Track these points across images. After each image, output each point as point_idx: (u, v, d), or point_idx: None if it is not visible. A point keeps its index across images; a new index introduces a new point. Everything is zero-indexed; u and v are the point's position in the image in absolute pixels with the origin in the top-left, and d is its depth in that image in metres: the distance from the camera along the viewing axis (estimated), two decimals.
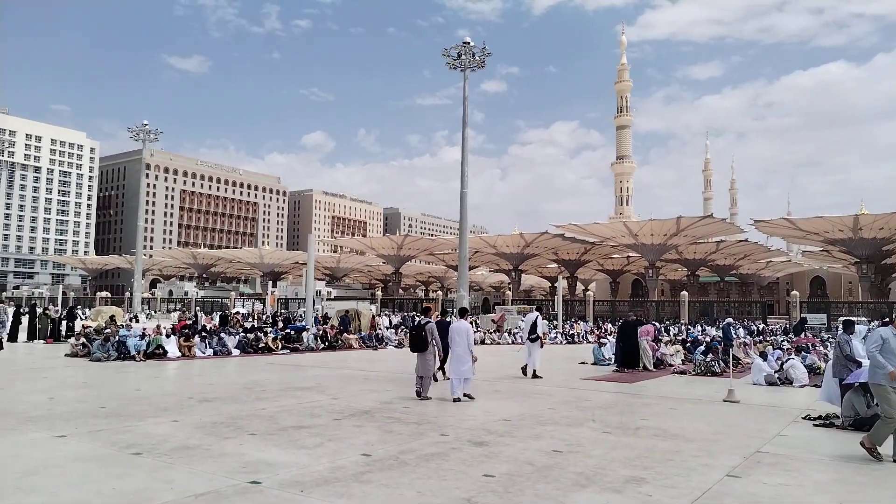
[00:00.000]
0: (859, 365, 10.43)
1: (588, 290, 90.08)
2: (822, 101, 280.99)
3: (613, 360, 20.25)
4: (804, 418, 10.92)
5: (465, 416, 10.62)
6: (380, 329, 31.06)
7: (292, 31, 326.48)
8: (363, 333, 29.08)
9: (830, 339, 27.22)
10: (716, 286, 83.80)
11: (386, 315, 47.45)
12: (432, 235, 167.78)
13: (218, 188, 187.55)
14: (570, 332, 38.27)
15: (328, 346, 26.07)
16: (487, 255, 78.44)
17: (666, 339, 24.95)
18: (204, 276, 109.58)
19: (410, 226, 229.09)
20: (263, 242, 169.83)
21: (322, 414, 10.50)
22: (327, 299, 63.06)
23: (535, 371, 16.74)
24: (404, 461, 7.33)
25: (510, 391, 14.44)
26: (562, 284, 61.16)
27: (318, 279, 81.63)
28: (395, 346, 28.52)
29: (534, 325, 16.92)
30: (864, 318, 37.13)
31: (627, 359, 18.84)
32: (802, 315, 44.99)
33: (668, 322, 48.01)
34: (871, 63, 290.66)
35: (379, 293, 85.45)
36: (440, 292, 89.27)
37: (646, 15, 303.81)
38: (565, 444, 8.48)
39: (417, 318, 11.68)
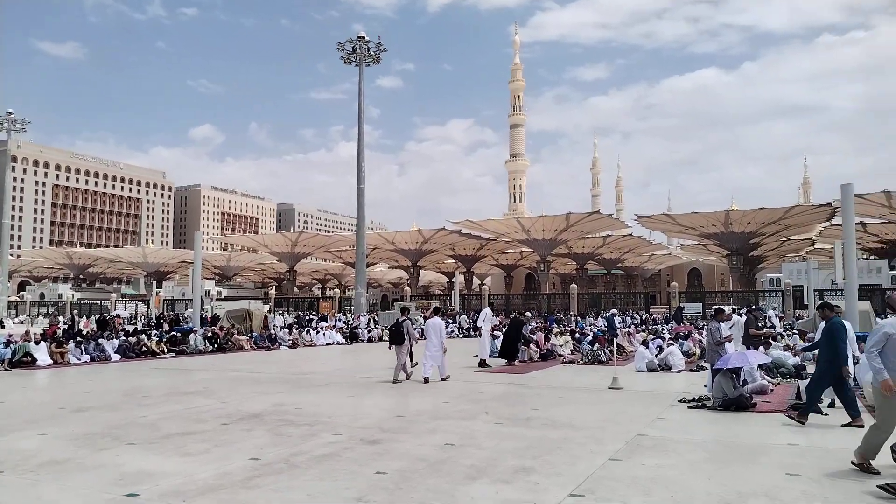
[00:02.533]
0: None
1: (484, 284, 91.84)
2: (698, 103, 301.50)
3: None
4: (680, 401, 11.64)
5: (359, 415, 10.52)
6: (273, 329, 30.21)
7: (178, 20, 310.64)
8: (255, 334, 28.18)
9: (705, 327, 29.18)
10: (603, 278, 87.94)
11: (280, 314, 46.21)
12: (329, 232, 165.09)
13: (96, 183, 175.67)
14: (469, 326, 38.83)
15: (217, 348, 25.06)
16: (386, 251, 78.21)
17: (556, 330, 25.84)
18: (81, 277, 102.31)
19: (306, 222, 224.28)
20: (148, 241, 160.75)
21: (209, 419, 10.07)
22: (217, 299, 60.62)
23: (484, 360, 18.30)
24: (295, 464, 7.16)
25: (407, 387, 14.46)
26: (459, 279, 62.10)
27: (208, 279, 78.31)
28: (289, 347, 27.85)
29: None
30: (739, 307, 40.11)
31: (507, 351, 19.30)
32: (680, 305, 48.00)
33: (559, 314, 49.80)
34: (740, 70, 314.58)
35: (272, 292, 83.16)
36: (337, 290, 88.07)
37: (537, 16, 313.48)
38: (459, 437, 8.58)
39: (396, 318, 15.28)
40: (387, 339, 33.19)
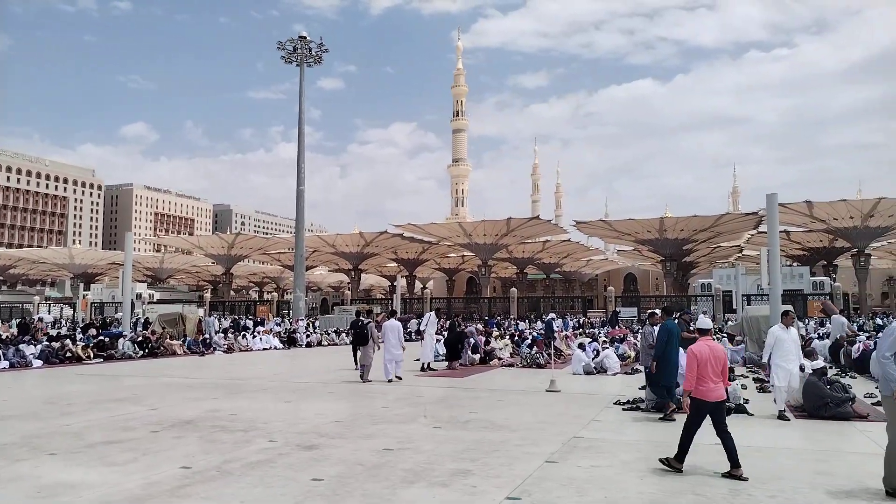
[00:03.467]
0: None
1: (426, 287, 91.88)
2: (634, 113, 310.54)
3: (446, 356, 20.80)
4: (615, 403, 11.91)
5: (296, 420, 10.32)
6: (207, 333, 29.37)
7: (110, 13, 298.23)
8: (189, 338, 27.33)
9: (639, 331, 29.99)
10: (542, 283, 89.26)
11: (215, 318, 44.98)
12: (267, 234, 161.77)
13: (18, 180, 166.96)
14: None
15: (149, 353, 24.18)
16: (326, 254, 77.22)
17: (496, 333, 26.06)
18: (1, 279, 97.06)
19: (243, 224, 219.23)
20: (75, 241, 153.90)
21: (137, 427, 9.69)
22: (149, 303, 58.49)
23: (427, 364, 18.29)
24: (228, 471, 6.96)
25: (344, 392, 14.31)
26: (401, 283, 61.89)
27: (139, 281, 75.45)
28: (224, 352, 27.14)
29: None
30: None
31: (451, 353, 19.35)
32: (616, 309, 49.21)
33: (499, 318, 50.27)
34: (673, 82, 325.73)
35: (208, 295, 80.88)
36: (275, 294, 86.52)
37: (479, 23, 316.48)
38: (397, 441, 8.53)
39: (360, 319, 16.37)
40: (327, 343, 33.01)
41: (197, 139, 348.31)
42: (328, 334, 35.24)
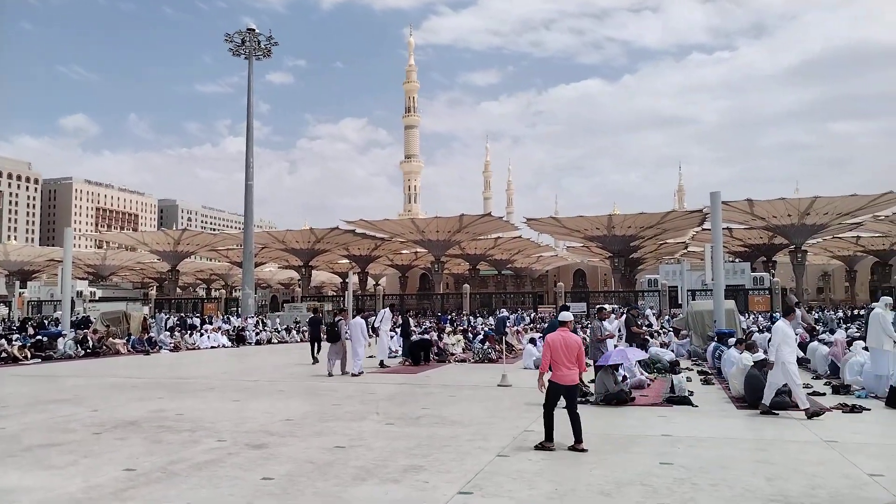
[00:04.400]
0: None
1: (379, 284, 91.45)
2: (582, 112, 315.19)
3: (400, 352, 20.77)
4: None
5: (244, 419, 10.14)
6: (154, 331, 28.57)
7: (48, 1, 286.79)
8: (133, 337, 26.54)
9: (588, 325, 30.49)
10: (494, 279, 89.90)
11: (164, 315, 43.78)
12: (214, 230, 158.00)
13: None
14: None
15: (90, 352, 23.39)
16: (276, 250, 76.02)
17: (448, 329, 26.14)
18: None
19: (190, 219, 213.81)
20: (10, 237, 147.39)
21: (78, 428, 9.36)
22: (91, 301, 56.57)
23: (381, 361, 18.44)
24: (174, 472, 6.78)
25: (295, 390, 14.14)
26: (353, 280, 61.40)
27: (80, 278, 72.76)
28: (171, 350, 26.45)
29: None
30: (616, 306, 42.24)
31: (415, 360, 19.25)
32: (565, 304, 49.93)
33: (452, 314, 50.43)
34: (620, 82, 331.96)
35: (153, 293, 78.73)
36: (224, 291, 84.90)
37: (431, 20, 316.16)
38: (348, 439, 8.47)
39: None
40: (277, 341, 32.53)
41: (142, 132, 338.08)
42: (278, 332, 34.73)
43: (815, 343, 16.15)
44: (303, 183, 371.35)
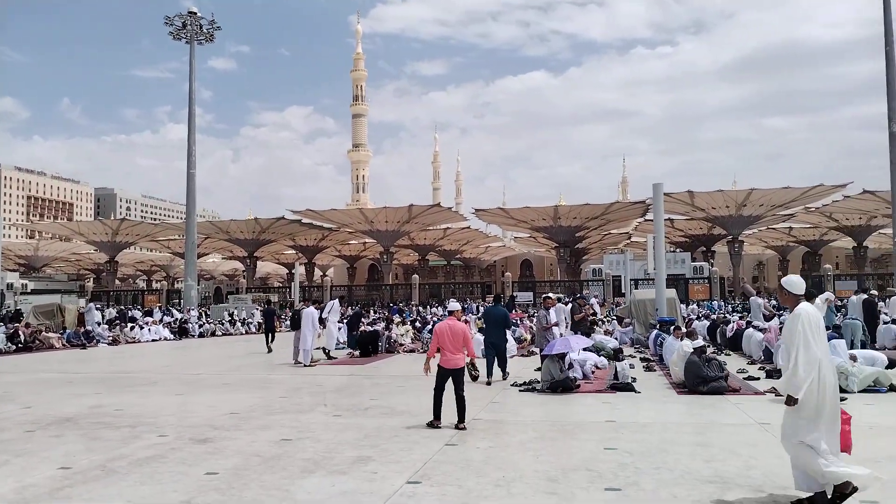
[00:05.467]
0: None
1: (326, 275, 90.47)
2: (529, 104, 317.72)
3: (346, 344, 20.67)
4: (512, 385, 12.26)
5: (188, 414, 9.92)
6: (90, 325, 27.55)
7: None
8: (68, 331, 25.55)
9: (534, 314, 30.94)
10: (443, 269, 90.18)
11: (98, 309, 42.26)
12: (155, 220, 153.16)
13: None
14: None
15: (22, 347, 22.42)
16: (219, 241, 74.18)
17: (397, 320, 26.11)
18: None
19: (129, 209, 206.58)
20: None
21: (10, 427, 8.98)
22: (22, 293, 54.09)
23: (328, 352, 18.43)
24: (113, 469, 6.58)
25: (240, 382, 13.89)
26: (300, 270, 60.56)
27: (10, 270, 69.54)
28: (109, 344, 25.59)
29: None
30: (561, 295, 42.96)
31: (363, 352, 19.16)
32: (513, 294, 50.53)
33: (401, 304, 50.36)
34: (565, 75, 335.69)
35: (90, 285, 75.96)
36: (165, 283, 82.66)
37: (378, 8, 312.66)
38: (295, 431, 8.38)
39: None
40: (221, 333, 31.84)
41: (75, 118, 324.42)
42: (222, 324, 34.00)
43: (750, 330, 16.79)
44: (247, 172, 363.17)
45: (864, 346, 14.79)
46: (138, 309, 42.03)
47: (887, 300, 22.69)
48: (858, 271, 64.66)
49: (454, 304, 9.53)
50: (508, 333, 19.98)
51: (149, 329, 28.88)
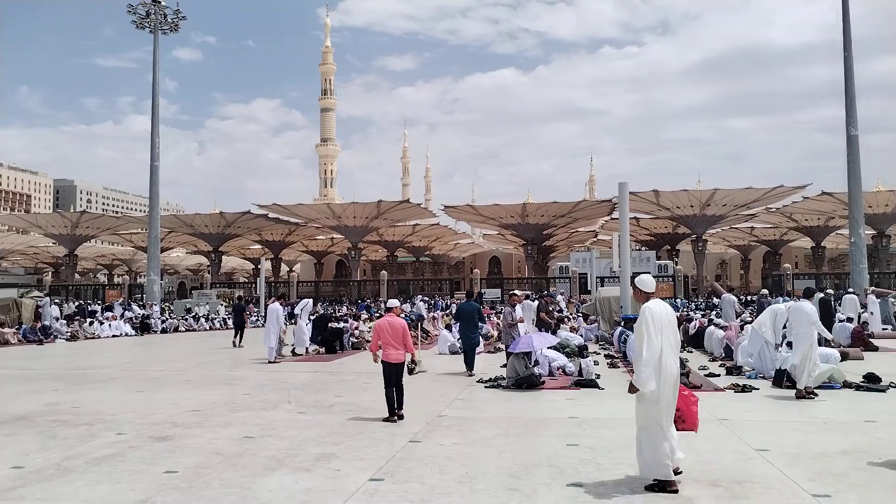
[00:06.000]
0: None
1: (293, 271, 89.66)
2: (498, 101, 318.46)
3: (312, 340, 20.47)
4: (478, 381, 12.30)
5: (148, 411, 9.73)
6: (46, 320, 26.86)
7: None
8: (24, 326, 24.87)
9: (501, 311, 31.10)
10: (412, 265, 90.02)
11: (56, 304, 41.22)
12: (117, 212, 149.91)
13: None
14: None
15: None
16: (184, 235, 72.90)
17: (364, 316, 26.01)
18: None
19: (89, 201, 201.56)
20: None
21: None
22: None
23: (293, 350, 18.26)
24: (69, 468, 6.44)
25: (203, 379, 13.69)
26: (266, 266, 59.77)
27: None
28: (67, 340, 24.98)
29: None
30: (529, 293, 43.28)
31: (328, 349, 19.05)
32: (480, 290, 50.72)
33: (369, 300, 50.15)
34: (534, 72, 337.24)
35: (48, 279, 74.02)
36: (127, 277, 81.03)
37: (346, 2, 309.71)
38: (258, 428, 8.29)
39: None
40: (185, 329, 31.33)
41: (34, 107, 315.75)
42: (186, 319, 33.46)
43: (712, 328, 17.12)
44: (213, 164, 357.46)
45: (819, 344, 15.19)
46: (98, 304, 41.07)
47: (842, 299, 23.37)
48: (816, 270, 66.45)
49: (393, 302, 10.00)
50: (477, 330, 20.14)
51: (109, 325, 28.27)
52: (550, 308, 20.77)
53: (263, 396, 11.11)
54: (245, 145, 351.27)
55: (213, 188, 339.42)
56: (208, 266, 75.70)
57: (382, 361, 8.89)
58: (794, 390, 10.32)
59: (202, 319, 33.76)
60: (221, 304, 41.12)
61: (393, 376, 8.79)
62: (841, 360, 11.83)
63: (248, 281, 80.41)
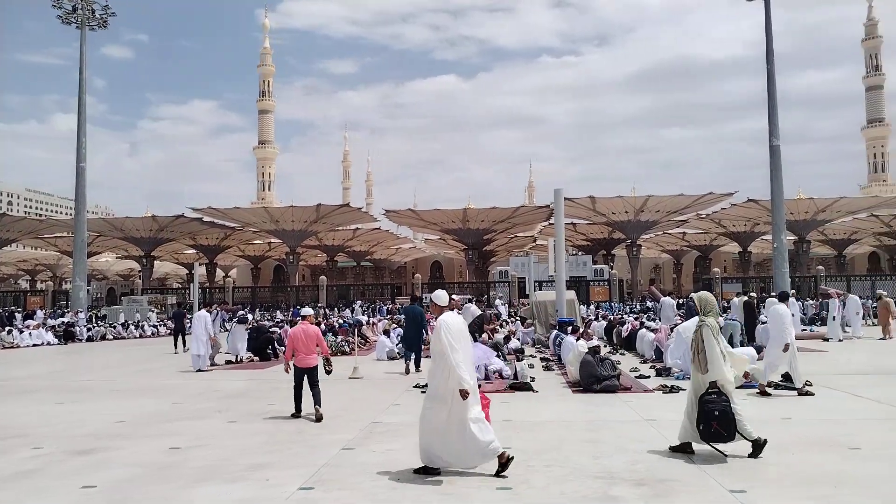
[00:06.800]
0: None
1: (228, 276, 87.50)
2: (441, 107, 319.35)
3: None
4: (415, 387, 12.31)
5: (71, 424, 9.33)
6: None
7: None
8: None
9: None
10: (353, 270, 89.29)
11: None
12: (41, 215, 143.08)
13: None
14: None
15: None
16: (113, 239, 70.18)
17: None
18: None
19: (10, 203, 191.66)
20: None
21: None
22: None
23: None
24: None
25: (131, 389, 13.22)
26: (200, 271, 58.07)
27: None
28: None
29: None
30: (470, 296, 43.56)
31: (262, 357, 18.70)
32: (419, 295, 50.71)
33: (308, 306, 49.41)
34: (476, 79, 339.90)
35: None
36: (51, 283, 77.52)
37: (286, 4, 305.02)
38: (188, 439, 8.07)
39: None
40: (113, 337, 30.16)
41: None
42: (114, 327, 32.21)
43: (643, 330, 17.64)
44: (145, 167, 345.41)
45: (742, 345, 15.85)
46: (18, 311, 39.10)
47: (766, 302, 24.48)
48: (743, 274, 69.36)
49: (307, 310, 10.50)
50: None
51: (30, 333, 26.95)
52: (491, 324, 20.70)
53: (195, 406, 10.81)
54: (180, 147, 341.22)
55: (147, 191, 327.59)
56: (139, 271, 73.11)
57: (295, 366, 9.40)
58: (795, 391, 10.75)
59: (132, 327, 32.57)
60: (153, 311, 39.80)
61: (303, 379, 9.33)
62: (758, 359, 12.42)
63: (181, 287, 78.09)
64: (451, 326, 6.31)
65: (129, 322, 33.43)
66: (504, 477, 6.08)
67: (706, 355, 6.98)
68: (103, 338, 30.08)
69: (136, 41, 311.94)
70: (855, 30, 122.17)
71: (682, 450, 6.95)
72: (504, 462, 6.16)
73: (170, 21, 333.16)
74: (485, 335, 17.48)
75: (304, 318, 10.04)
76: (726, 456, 6.68)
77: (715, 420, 6.67)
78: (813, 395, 10.66)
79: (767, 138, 38.17)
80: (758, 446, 6.72)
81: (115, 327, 32.20)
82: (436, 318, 6.62)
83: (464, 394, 6.09)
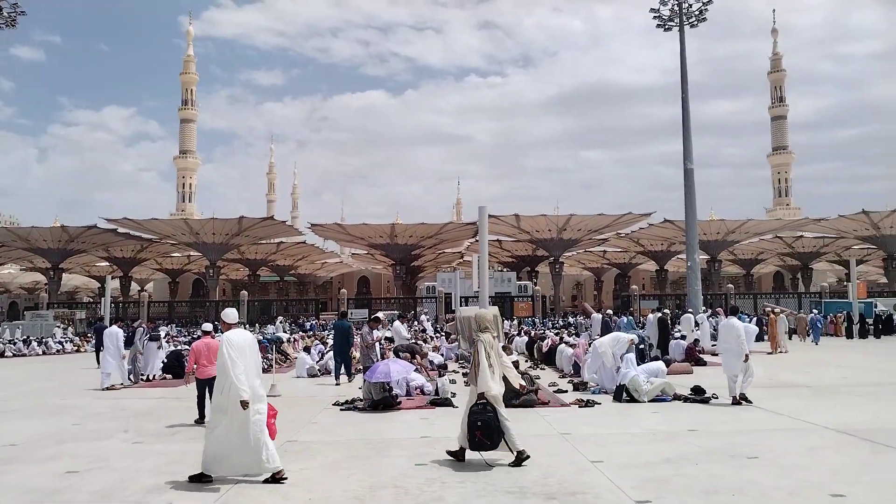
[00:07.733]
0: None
1: (144, 290, 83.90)
2: (368, 122, 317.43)
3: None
4: (334, 404, 12.11)
5: None
6: None
7: None
8: None
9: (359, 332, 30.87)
10: (276, 285, 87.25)
11: None
12: None
13: None
14: None
15: None
16: (17, 250, 66.01)
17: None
18: None
19: None
20: None
21: None
22: None
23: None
24: None
25: (29, 409, 12.43)
26: (113, 284, 55.35)
27: None
28: None
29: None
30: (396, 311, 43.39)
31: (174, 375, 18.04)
32: (344, 310, 50.15)
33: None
34: (403, 96, 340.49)
35: None
36: None
37: (210, 11, 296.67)
38: (87, 461, 7.63)
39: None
40: (12, 354, 28.28)
41: None
42: (14, 343, 30.24)
43: (563, 345, 18.03)
44: (56, 174, 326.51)
45: (656, 360, 16.44)
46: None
47: (680, 318, 25.51)
48: (660, 292, 72.08)
49: (207, 326, 10.93)
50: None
51: None
52: (412, 327, 20.87)
53: (98, 426, 10.26)
54: (94, 154, 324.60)
55: (57, 200, 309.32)
56: (46, 284, 69.04)
57: (197, 378, 9.84)
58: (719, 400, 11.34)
59: (34, 343, 30.67)
60: (59, 327, 37.66)
61: (205, 389, 9.72)
62: (668, 373, 12.93)
63: (92, 300, 74.27)
64: (233, 342, 6.71)
65: (31, 338, 31.44)
66: (280, 483, 6.45)
67: (478, 369, 7.50)
68: (2, 354, 28.19)
69: (49, 43, 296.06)
70: (761, 63, 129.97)
71: (456, 456, 7.40)
72: (279, 477, 6.51)
73: (85, 23, 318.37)
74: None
75: (206, 333, 10.47)
76: (490, 465, 7.09)
77: (478, 430, 7.14)
78: (751, 402, 11.17)
79: (682, 162, 40.05)
80: (520, 458, 7.14)
81: (14, 343, 30.21)
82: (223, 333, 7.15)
83: (244, 404, 6.45)
